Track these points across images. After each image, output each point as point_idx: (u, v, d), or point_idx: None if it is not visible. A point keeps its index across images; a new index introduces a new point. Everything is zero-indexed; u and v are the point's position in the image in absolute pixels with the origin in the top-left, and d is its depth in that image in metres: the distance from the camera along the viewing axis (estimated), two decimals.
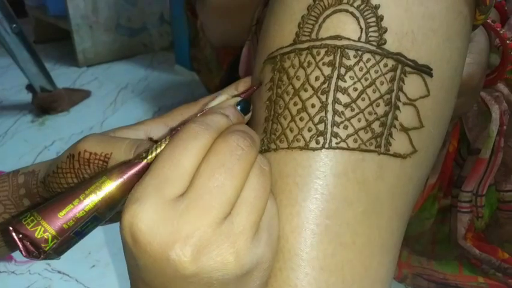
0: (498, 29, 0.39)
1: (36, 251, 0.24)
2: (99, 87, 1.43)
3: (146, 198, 0.22)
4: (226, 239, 0.22)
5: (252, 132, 0.25)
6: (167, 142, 0.25)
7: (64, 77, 1.47)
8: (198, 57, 0.87)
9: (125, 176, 0.25)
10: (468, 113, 0.48)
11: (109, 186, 0.25)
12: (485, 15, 0.31)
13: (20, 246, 0.24)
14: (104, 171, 0.28)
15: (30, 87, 1.20)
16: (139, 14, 1.68)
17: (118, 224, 0.37)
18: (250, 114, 0.30)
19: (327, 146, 0.26)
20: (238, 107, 0.28)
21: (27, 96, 1.24)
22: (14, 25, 1.08)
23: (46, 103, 1.21)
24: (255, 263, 0.23)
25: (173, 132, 0.25)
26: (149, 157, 0.25)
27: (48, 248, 0.24)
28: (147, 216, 0.22)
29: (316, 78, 0.27)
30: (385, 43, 0.27)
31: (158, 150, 0.25)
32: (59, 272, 0.69)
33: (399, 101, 0.27)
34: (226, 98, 0.29)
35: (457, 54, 0.29)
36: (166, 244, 0.21)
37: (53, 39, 1.81)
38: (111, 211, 0.26)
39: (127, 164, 0.26)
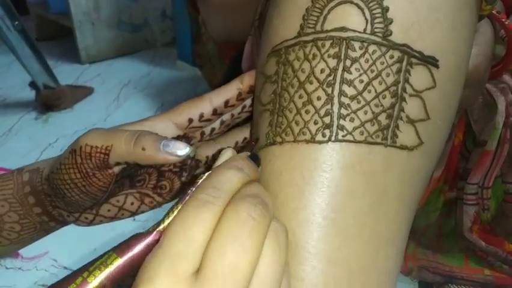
0: (503, 20, 0.39)
1: None
2: (102, 83, 1.43)
3: (159, 277, 0.20)
4: None
5: (263, 195, 0.24)
6: (178, 210, 0.23)
7: (66, 74, 1.47)
8: (200, 53, 0.87)
9: (134, 249, 0.23)
10: (473, 105, 0.47)
11: (116, 261, 0.23)
12: (491, 5, 0.31)
13: None
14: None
15: (33, 85, 1.21)
16: (141, 10, 1.68)
17: (122, 220, 0.37)
18: (261, 167, 0.28)
19: (333, 138, 0.26)
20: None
21: (30, 94, 1.24)
22: (16, 23, 1.09)
23: (49, 100, 1.21)
24: None
25: (184, 197, 0.23)
26: (161, 226, 0.23)
27: None
28: None
29: (322, 71, 0.27)
30: (391, 34, 0.26)
31: (168, 220, 0.23)
32: (65, 267, 0.69)
33: (406, 92, 0.27)
34: (232, 153, 0.26)
35: (463, 44, 0.29)
36: None
37: (55, 36, 1.81)
38: (118, 287, 0.24)
39: (135, 237, 0.23)
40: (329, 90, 0.27)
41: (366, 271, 0.26)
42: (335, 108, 0.26)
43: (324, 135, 0.26)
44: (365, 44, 0.26)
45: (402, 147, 0.27)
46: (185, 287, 0.20)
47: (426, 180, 0.30)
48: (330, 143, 0.26)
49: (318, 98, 0.27)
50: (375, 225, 0.26)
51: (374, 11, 0.26)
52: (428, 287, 0.62)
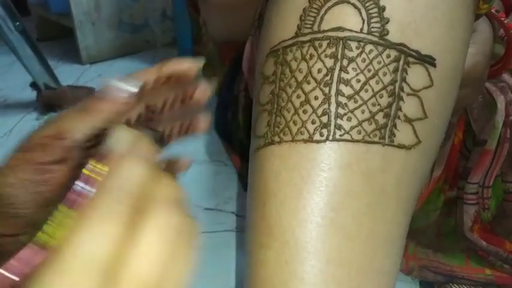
0: (502, 18, 0.39)
1: None
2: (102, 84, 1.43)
3: None
4: None
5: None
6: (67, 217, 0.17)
7: (67, 74, 1.47)
8: (201, 54, 0.87)
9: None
10: (473, 104, 0.47)
11: None
12: (488, 4, 0.31)
13: None
14: None
15: (34, 85, 1.21)
16: (141, 10, 1.68)
17: None
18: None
19: (331, 138, 0.26)
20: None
21: (31, 94, 1.24)
22: (17, 23, 1.09)
23: (51, 101, 1.21)
24: None
25: (69, 195, 0.17)
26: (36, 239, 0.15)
27: None
28: None
29: (319, 71, 0.27)
30: (387, 34, 0.26)
31: (50, 230, 0.17)
32: None
33: (403, 91, 0.27)
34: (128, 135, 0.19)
35: (460, 43, 0.29)
36: None
37: (56, 36, 1.81)
38: None
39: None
40: (326, 89, 0.27)
41: (365, 270, 0.26)
42: (332, 107, 0.26)
43: (321, 135, 0.26)
44: (362, 44, 0.26)
45: (400, 146, 0.27)
46: None
47: (423, 179, 0.30)
48: (328, 142, 0.26)
49: (316, 98, 0.27)
50: (373, 224, 0.26)
51: (371, 11, 0.26)
52: (430, 286, 0.62)
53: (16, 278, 0.16)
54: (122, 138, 0.19)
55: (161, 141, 0.23)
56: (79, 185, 0.18)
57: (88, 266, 0.15)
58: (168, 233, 0.17)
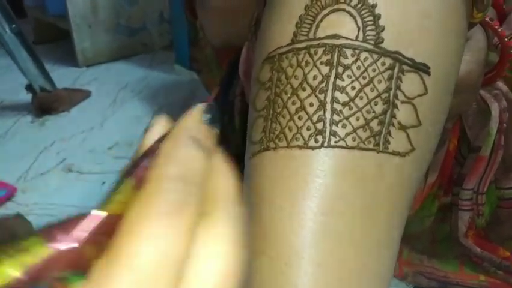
0: (496, 27, 0.39)
1: None
2: (99, 87, 1.43)
3: None
4: None
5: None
6: (134, 194, 0.15)
7: (63, 77, 1.47)
8: (198, 58, 0.87)
9: (60, 243, 0.15)
10: (468, 111, 0.48)
11: (41, 249, 0.15)
12: (482, 12, 0.31)
13: None
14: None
15: (30, 88, 1.20)
16: (139, 13, 1.68)
17: None
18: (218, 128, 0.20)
19: (326, 144, 0.26)
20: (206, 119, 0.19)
21: (27, 97, 1.24)
22: (14, 25, 1.09)
23: (46, 103, 1.21)
24: None
25: (137, 170, 0.16)
26: (108, 207, 0.16)
27: None
28: None
29: (314, 78, 0.27)
30: (382, 42, 0.27)
31: (120, 196, 0.16)
32: None
33: (397, 99, 0.27)
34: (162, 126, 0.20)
35: (454, 52, 0.29)
36: None
37: (53, 39, 1.81)
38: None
39: (75, 219, 0.16)
40: (322, 96, 0.27)
41: (358, 276, 0.26)
42: (328, 114, 0.27)
43: (316, 141, 0.27)
44: (357, 51, 0.27)
45: (394, 153, 0.27)
46: None
47: (417, 186, 0.30)
48: (323, 148, 0.26)
49: (311, 105, 0.27)
50: (367, 230, 0.27)
51: (366, 19, 0.27)
52: None
53: (75, 244, 0.15)
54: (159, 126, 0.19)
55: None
56: (146, 160, 0.17)
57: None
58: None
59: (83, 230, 0.16)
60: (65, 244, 0.16)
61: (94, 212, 0.16)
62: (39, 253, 0.16)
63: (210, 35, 0.70)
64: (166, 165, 0.16)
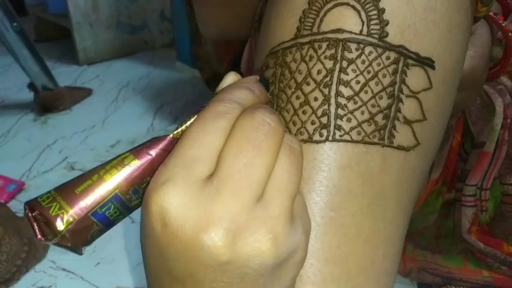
0: (500, 21, 0.39)
1: (51, 231, 0.21)
2: (100, 85, 1.43)
3: (175, 179, 0.20)
4: (262, 223, 0.20)
5: (275, 111, 0.24)
6: (194, 118, 0.23)
7: (65, 75, 1.47)
8: (200, 55, 0.87)
9: (150, 151, 0.23)
10: (471, 106, 0.47)
11: (132, 161, 0.22)
12: (487, 7, 0.31)
13: (34, 225, 0.21)
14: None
15: (31, 86, 1.20)
16: (140, 11, 1.68)
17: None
18: (269, 94, 0.28)
19: (330, 138, 0.26)
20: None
21: (29, 95, 1.24)
22: (15, 24, 1.08)
23: (48, 102, 1.21)
24: (292, 251, 0.21)
25: (200, 109, 0.23)
26: (176, 132, 0.23)
27: (64, 227, 0.21)
28: (178, 199, 0.20)
29: (319, 72, 0.27)
30: (387, 36, 0.26)
31: (185, 126, 0.23)
32: (64, 269, 0.69)
33: (402, 93, 0.27)
34: (236, 77, 0.26)
35: (458, 46, 0.29)
36: (199, 228, 0.20)
37: (54, 37, 1.81)
38: (135, 193, 0.23)
39: (152, 140, 0.23)
40: (326, 91, 0.27)
41: (365, 270, 0.26)
42: (332, 108, 0.26)
43: (321, 135, 0.26)
44: (361, 46, 0.26)
45: (399, 148, 0.27)
46: (200, 188, 0.20)
47: (422, 180, 0.30)
48: (327, 142, 0.26)
49: (315, 99, 0.27)
50: (373, 224, 0.27)
51: (370, 13, 0.27)
52: None
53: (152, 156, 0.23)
54: (229, 78, 0.26)
55: (266, 85, 0.27)
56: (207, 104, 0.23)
57: (203, 148, 0.21)
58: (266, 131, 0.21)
59: (158, 147, 0.23)
60: (145, 158, 0.23)
61: (165, 136, 0.23)
62: (131, 164, 0.22)
63: (203, 28, 0.69)
64: (220, 94, 0.23)
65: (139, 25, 1.70)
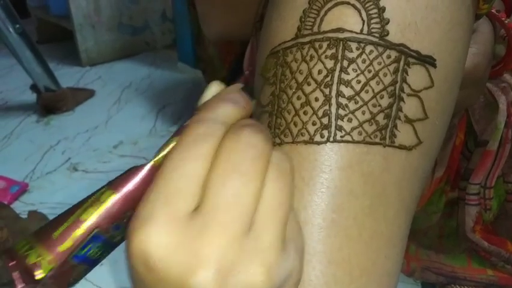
0: (503, 18, 0.39)
1: (31, 279, 0.20)
2: (103, 86, 1.43)
3: (156, 217, 0.19)
4: (253, 256, 0.19)
5: (262, 126, 0.22)
6: (174, 143, 0.21)
7: (67, 76, 1.47)
8: (203, 57, 0.87)
9: (129, 183, 0.21)
10: (474, 104, 0.47)
11: (109, 196, 0.21)
12: (489, 4, 0.31)
13: (15, 275, 0.20)
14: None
15: (34, 88, 1.21)
16: (141, 12, 1.68)
17: None
18: (255, 101, 0.26)
19: (331, 139, 0.26)
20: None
21: (31, 97, 1.25)
22: (17, 25, 1.09)
23: (51, 103, 1.21)
24: (287, 277, 0.20)
25: (180, 130, 0.22)
26: (156, 159, 0.22)
27: (43, 275, 0.20)
28: (161, 240, 0.19)
29: (319, 72, 0.27)
30: (388, 34, 0.26)
31: (165, 151, 0.22)
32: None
33: (403, 92, 0.27)
34: (219, 86, 0.25)
35: (460, 44, 0.29)
36: (186, 271, 0.18)
37: (56, 39, 1.82)
38: (117, 229, 0.22)
39: (130, 170, 0.22)
40: (327, 91, 0.26)
41: (367, 272, 0.26)
42: (333, 109, 0.26)
43: (322, 136, 0.26)
44: (362, 45, 0.26)
45: (401, 147, 0.27)
46: (184, 225, 0.19)
47: (424, 179, 0.30)
48: (328, 143, 0.26)
49: (316, 99, 0.27)
50: (375, 225, 0.26)
51: (371, 12, 0.26)
52: None
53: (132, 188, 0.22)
54: (212, 89, 0.25)
55: (251, 92, 0.25)
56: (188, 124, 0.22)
57: (185, 179, 0.19)
58: (254, 153, 0.20)
59: (136, 178, 0.21)
60: (124, 191, 0.21)
61: (143, 165, 0.22)
62: (109, 199, 0.21)
63: (206, 28, 0.69)
64: (201, 113, 0.22)
65: (141, 26, 1.70)
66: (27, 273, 0.20)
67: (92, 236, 0.21)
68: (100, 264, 0.69)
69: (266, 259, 0.19)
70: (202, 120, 0.21)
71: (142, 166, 0.22)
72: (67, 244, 0.20)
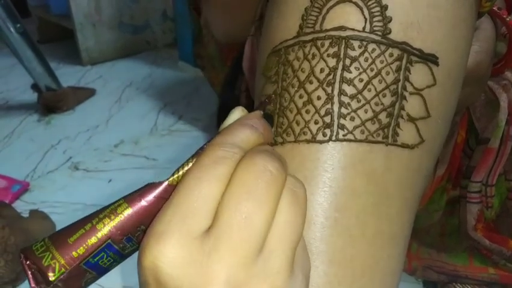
0: (504, 16, 0.39)
1: (44, 280, 0.21)
2: (104, 85, 1.43)
3: (170, 235, 0.20)
4: (262, 280, 0.20)
5: (279, 154, 0.23)
6: (191, 164, 0.22)
7: (68, 76, 1.47)
8: (202, 54, 0.87)
9: (144, 199, 0.22)
10: (476, 102, 0.47)
11: (125, 210, 0.22)
12: (491, 2, 0.31)
13: (29, 274, 0.21)
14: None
15: (35, 87, 1.21)
16: (142, 11, 1.68)
17: None
18: (273, 129, 0.27)
19: (334, 138, 0.26)
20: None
21: (32, 96, 1.25)
22: (18, 25, 1.09)
23: (52, 102, 1.21)
24: None
25: (198, 152, 0.23)
26: (171, 178, 0.22)
27: (55, 278, 0.21)
28: (173, 256, 0.19)
29: (322, 70, 0.27)
30: (390, 33, 0.26)
31: (181, 172, 0.22)
32: None
33: (406, 90, 0.27)
34: (243, 112, 0.25)
35: (462, 42, 0.29)
36: None
37: (57, 38, 1.81)
38: (129, 241, 0.22)
39: (147, 187, 0.23)
40: (329, 89, 0.26)
41: (370, 271, 0.26)
42: (335, 107, 0.26)
43: (324, 135, 0.26)
44: (364, 43, 0.26)
45: (404, 146, 0.27)
46: (197, 245, 0.19)
47: (427, 178, 0.30)
48: (331, 142, 0.26)
49: (318, 98, 0.27)
50: (378, 224, 0.26)
51: (373, 10, 0.26)
52: (433, 286, 0.61)
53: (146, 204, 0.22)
54: (235, 115, 0.25)
55: (270, 119, 0.26)
56: (207, 146, 0.23)
57: (200, 200, 0.20)
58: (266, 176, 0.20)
59: (152, 195, 0.22)
60: (139, 206, 0.22)
61: (160, 183, 0.23)
62: (124, 212, 0.22)
63: (215, 31, 0.69)
64: (220, 136, 0.23)
65: (142, 25, 1.70)
66: (41, 274, 0.21)
67: (105, 246, 0.22)
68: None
69: (274, 283, 0.20)
70: (221, 144, 0.22)
71: (158, 184, 0.22)
72: (80, 251, 0.21)
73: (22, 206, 0.83)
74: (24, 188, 0.88)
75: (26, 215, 0.77)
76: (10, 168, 0.95)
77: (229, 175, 0.21)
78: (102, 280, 0.68)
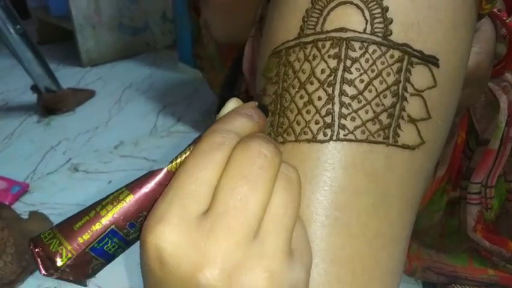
0: (504, 18, 0.39)
1: (53, 267, 0.22)
2: (103, 86, 1.43)
3: (170, 217, 0.21)
4: (258, 261, 0.20)
5: (273, 140, 0.23)
6: (190, 151, 0.23)
7: (68, 77, 1.47)
8: (201, 55, 0.87)
9: (145, 186, 0.23)
10: (476, 104, 0.47)
11: (127, 196, 0.23)
12: (491, 3, 0.31)
13: (38, 261, 0.23)
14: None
15: (35, 88, 1.21)
16: (141, 12, 1.68)
17: None
18: (269, 118, 0.28)
19: (334, 138, 0.26)
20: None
21: (32, 97, 1.25)
22: (18, 26, 1.09)
23: (51, 103, 1.21)
24: None
25: (196, 140, 0.23)
26: (170, 165, 0.23)
27: (63, 263, 0.22)
28: (173, 238, 0.20)
29: (322, 71, 0.27)
30: (391, 34, 0.26)
31: (180, 159, 0.23)
32: None
33: (407, 92, 0.27)
34: (237, 102, 0.26)
35: (463, 43, 0.29)
36: (194, 267, 0.20)
37: (57, 39, 1.82)
38: (132, 227, 0.23)
39: (147, 174, 0.24)
40: (330, 90, 0.27)
41: (370, 271, 0.26)
42: (336, 107, 0.26)
43: (325, 135, 0.26)
44: (365, 44, 0.26)
45: (404, 147, 0.27)
46: (195, 226, 0.20)
47: (427, 179, 0.30)
48: (331, 142, 0.26)
49: (319, 98, 0.27)
50: (378, 224, 0.26)
51: (374, 11, 0.26)
52: (433, 287, 0.61)
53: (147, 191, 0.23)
54: (231, 105, 0.26)
55: (265, 110, 0.27)
56: (205, 133, 0.23)
57: (198, 184, 0.21)
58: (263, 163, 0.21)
59: (152, 182, 0.23)
60: (140, 193, 0.23)
61: (159, 170, 0.23)
62: (126, 199, 0.23)
63: (215, 32, 0.70)
64: (216, 124, 0.23)
65: (141, 26, 1.70)
66: (50, 260, 0.22)
67: (109, 232, 0.23)
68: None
69: (270, 265, 0.20)
70: (218, 131, 0.23)
71: (158, 170, 0.23)
72: (85, 236, 0.22)
73: (22, 208, 0.83)
74: (24, 189, 0.88)
75: (25, 216, 0.77)
76: (10, 170, 0.95)
77: (226, 160, 0.22)
78: (106, 281, 0.68)
